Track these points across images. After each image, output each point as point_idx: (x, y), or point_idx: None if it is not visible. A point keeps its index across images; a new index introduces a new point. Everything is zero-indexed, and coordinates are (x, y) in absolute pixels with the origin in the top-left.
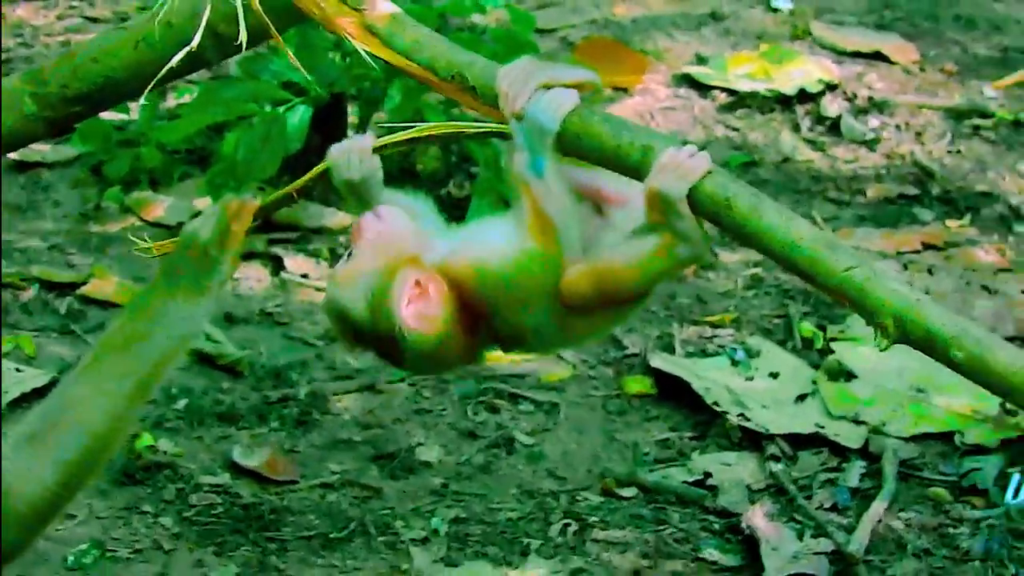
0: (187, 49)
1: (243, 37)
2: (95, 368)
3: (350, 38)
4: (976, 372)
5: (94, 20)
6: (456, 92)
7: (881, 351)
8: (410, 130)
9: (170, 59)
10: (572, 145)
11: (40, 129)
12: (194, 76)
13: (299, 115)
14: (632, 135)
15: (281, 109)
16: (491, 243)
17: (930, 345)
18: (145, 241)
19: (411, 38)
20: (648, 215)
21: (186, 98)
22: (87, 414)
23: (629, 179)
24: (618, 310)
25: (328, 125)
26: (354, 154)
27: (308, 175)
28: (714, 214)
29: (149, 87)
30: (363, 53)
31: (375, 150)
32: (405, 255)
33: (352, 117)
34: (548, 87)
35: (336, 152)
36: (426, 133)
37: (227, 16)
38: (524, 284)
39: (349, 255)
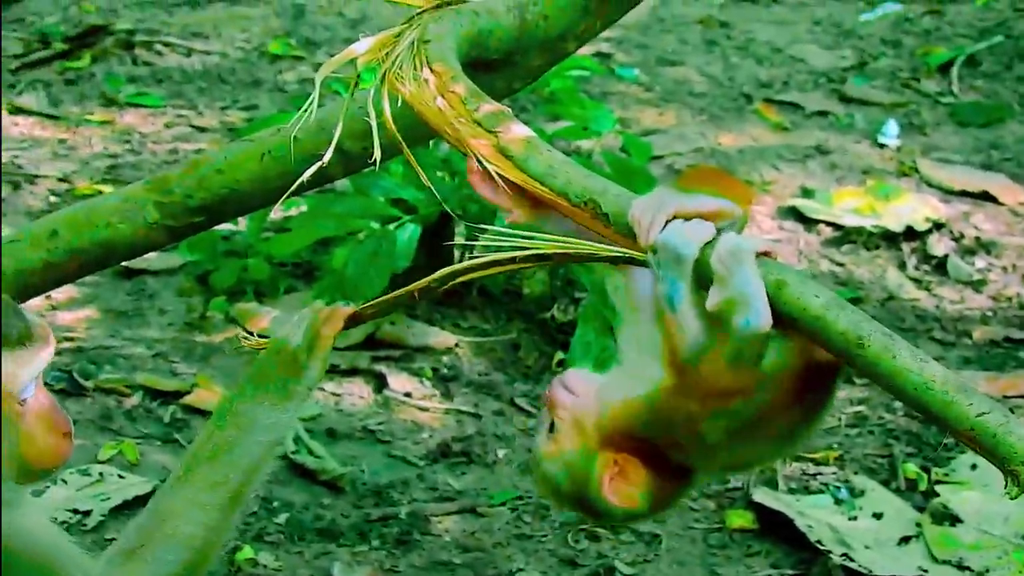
0: (317, 165)
1: (377, 155)
2: (187, 480)
3: (484, 160)
4: None
5: (202, 129)
6: (588, 219)
7: (1012, 499)
8: (528, 244)
9: (293, 172)
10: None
11: (161, 238)
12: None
13: (408, 233)
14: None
15: (391, 226)
16: (638, 381)
17: None
18: (250, 338)
19: (545, 163)
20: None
21: (293, 211)
22: (183, 527)
23: None
24: (781, 424)
25: (436, 244)
26: None
27: (409, 287)
28: (846, 352)
29: (280, 200)
30: (495, 176)
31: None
32: (597, 433)
33: (459, 237)
34: (684, 217)
35: None
36: (540, 251)
37: (353, 133)
38: (671, 419)
39: (551, 427)
